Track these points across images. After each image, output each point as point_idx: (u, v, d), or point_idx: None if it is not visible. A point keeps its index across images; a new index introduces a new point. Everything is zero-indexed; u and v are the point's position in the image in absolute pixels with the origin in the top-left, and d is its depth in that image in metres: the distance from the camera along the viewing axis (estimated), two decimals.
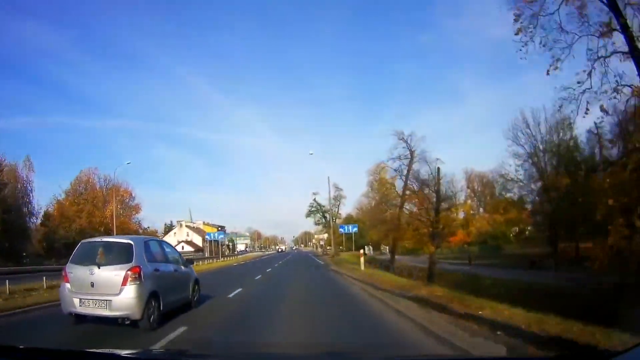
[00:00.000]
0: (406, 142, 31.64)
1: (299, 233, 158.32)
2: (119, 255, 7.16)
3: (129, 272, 6.84)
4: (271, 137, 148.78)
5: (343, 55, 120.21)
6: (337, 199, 56.28)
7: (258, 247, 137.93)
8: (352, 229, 40.44)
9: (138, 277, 6.89)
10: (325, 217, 61.74)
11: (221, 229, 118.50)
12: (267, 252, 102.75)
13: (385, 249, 61.39)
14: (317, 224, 68.34)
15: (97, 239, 7.94)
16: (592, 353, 2.84)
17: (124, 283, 6.78)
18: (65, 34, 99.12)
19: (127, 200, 56.51)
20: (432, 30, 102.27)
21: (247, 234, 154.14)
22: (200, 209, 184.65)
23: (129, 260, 7.00)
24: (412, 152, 31.25)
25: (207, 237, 40.50)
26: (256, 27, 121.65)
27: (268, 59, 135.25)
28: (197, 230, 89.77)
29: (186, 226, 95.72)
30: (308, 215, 65.82)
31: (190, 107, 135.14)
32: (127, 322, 6.75)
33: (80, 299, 6.83)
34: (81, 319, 7.02)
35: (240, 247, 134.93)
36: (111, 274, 6.89)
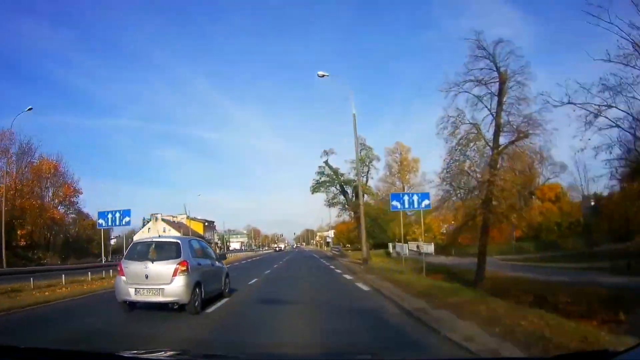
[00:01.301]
0: (491, 57, 19.07)
1: (300, 231, 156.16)
2: (169, 251, 8.87)
3: (178, 266, 8.52)
4: (272, 135, 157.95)
5: (344, 54, 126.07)
6: (366, 161, 34.77)
7: (255, 245, 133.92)
8: (421, 200, 20.91)
9: (186, 270, 8.56)
10: (344, 192, 39.76)
11: (209, 224, 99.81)
12: (260, 251, 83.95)
13: (417, 246, 47.57)
14: (330, 203, 42.32)
15: (148, 239, 9.83)
16: (593, 353, 2.65)
17: (175, 274, 8.45)
18: (64, 33, 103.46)
19: (53, 176, 38.56)
20: (434, 29, 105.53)
21: (245, 231, 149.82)
22: (200, 207, 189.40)
23: (177, 256, 8.73)
24: (502, 73, 19.05)
25: (99, 222, 21.46)
26: (257, 25, 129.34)
27: (268, 58, 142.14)
28: (178, 226, 72.48)
29: (163, 220, 77.45)
30: (315, 189, 40.98)
31: (190, 106, 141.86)
32: (176, 307, 8.49)
33: (135, 289, 8.53)
34: (133, 305, 8.79)
35: (235, 245, 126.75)
36: (163, 267, 8.56)
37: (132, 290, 8.62)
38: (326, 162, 38.03)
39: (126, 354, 2.92)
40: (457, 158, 20.61)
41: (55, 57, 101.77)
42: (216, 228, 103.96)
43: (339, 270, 21.66)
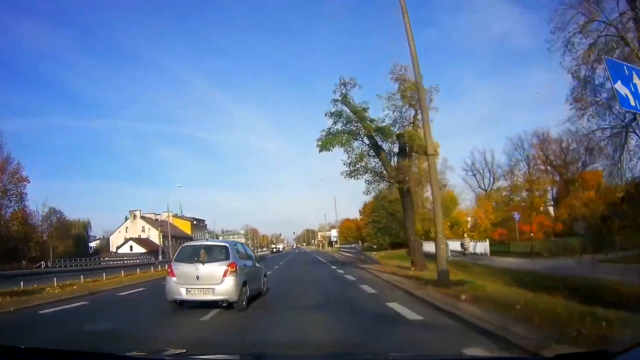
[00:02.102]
0: None
1: (300, 231, 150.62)
2: (218, 254, 9.86)
3: (228, 267, 9.38)
4: (272, 135, 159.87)
5: (343, 53, 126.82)
6: (411, 100, 19.91)
7: (253, 246, 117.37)
8: None
9: (235, 270, 9.43)
10: (377, 147, 21.16)
11: (199, 223, 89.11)
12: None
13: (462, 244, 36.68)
14: (353, 170, 21.66)
15: (197, 243, 12.53)
16: (593, 353, 2.75)
17: (225, 275, 9.28)
18: (63, 33, 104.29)
19: None
20: (433, 27, 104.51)
21: (242, 231, 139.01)
22: (199, 207, 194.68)
23: (226, 258, 9.65)
24: None
25: None
26: (256, 25, 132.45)
27: (268, 57, 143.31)
28: (160, 224, 61.07)
29: (142, 218, 65.79)
30: (326, 144, 20.59)
31: (189, 105, 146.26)
32: (225, 304, 9.29)
33: (186, 289, 9.32)
34: (182, 304, 9.60)
35: None
36: (214, 268, 9.43)
37: (183, 290, 9.34)
38: (344, 98, 20.84)
39: (125, 354, 2.97)
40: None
41: (53, 57, 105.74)
42: (207, 227, 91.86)
43: (416, 317, 8.28)
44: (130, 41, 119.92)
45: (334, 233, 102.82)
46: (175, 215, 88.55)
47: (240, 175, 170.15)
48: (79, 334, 7.47)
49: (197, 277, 9.21)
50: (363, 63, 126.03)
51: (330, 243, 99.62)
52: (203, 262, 9.48)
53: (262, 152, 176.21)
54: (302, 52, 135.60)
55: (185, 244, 11.39)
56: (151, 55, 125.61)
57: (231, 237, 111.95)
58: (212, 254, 9.80)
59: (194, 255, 9.81)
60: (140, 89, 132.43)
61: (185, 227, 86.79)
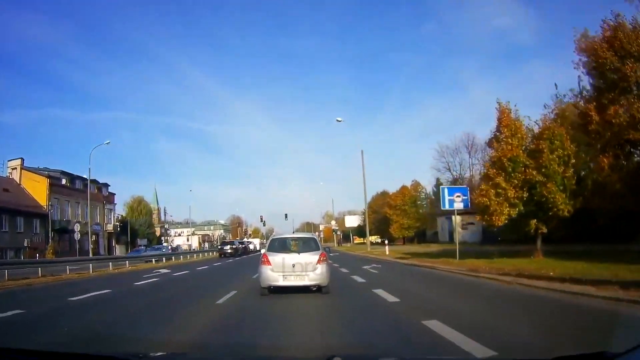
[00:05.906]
0: None
1: (298, 224, 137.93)
2: (310, 245, 13.21)
3: (320, 256, 12.98)
4: (271, 128, 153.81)
5: (345, 46, 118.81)
6: None
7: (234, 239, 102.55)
8: None
9: (325, 259, 13.39)
10: None
11: (76, 183, 31.28)
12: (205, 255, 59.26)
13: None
14: None
15: (287, 235, 14.48)
16: (592, 354, 2.84)
17: (318, 262, 12.80)
18: (64, 26, 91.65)
19: None
20: (434, 20, 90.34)
21: (222, 221, 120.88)
22: (197, 202, 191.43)
23: (317, 249, 13.21)
24: None
25: None
26: (257, 17, 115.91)
27: (269, 50, 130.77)
28: None
29: None
30: None
31: (189, 98, 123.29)
32: (314, 289, 12.60)
33: (283, 275, 12.54)
34: (274, 290, 12.49)
35: (188, 241, 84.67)
36: (309, 257, 12.60)
37: (280, 277, 12.15)
38: None
39: (124, 355, 3.13)
40: None
41: (53, 50, 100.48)
42: (116, 200, 46.74)
43: None
44: (127, 31, 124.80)
45: (353, 221, 63.96)
46: (26, 168, 43.14)
47: (236, 167, 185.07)
48: None
49: (293, 265, 12.10)
50: (365, 56, 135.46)
51: (350, 236, 58.82)
52: (298, 252, 12.52)
53: (260, 145, 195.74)
54: (304, 44, 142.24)
55: (274, 236, 14.26)
56: (152, 47, 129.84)
57: (205, 227, 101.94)
58: (304, 245, 12.97)
59: (285, 246, 13.02)
60: (140, 81, 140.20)
61: (37, 189, 42.43)
